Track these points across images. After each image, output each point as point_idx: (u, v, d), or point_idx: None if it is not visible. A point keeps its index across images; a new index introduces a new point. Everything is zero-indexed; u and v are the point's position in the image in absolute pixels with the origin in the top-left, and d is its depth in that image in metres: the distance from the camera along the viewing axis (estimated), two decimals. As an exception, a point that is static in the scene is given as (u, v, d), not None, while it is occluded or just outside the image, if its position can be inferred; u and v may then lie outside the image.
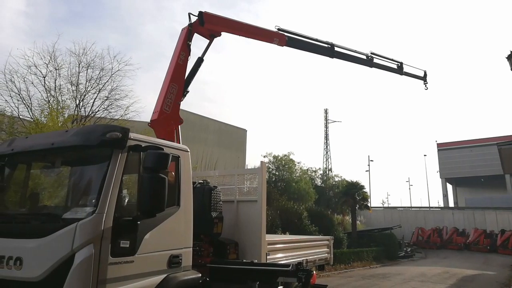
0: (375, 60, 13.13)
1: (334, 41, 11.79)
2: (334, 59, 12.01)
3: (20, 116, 15.11)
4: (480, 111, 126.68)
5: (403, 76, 14.43)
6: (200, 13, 8.67)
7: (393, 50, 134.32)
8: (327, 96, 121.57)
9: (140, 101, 29.83)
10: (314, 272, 7.16)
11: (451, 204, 62.13)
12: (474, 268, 24.48)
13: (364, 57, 12.84)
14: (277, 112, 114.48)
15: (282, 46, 10.53)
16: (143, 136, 5.07)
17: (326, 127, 53.43)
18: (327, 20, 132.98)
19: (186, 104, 8.30)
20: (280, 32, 10.47)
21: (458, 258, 32.39)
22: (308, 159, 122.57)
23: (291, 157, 32.66)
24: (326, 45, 11.66)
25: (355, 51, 12.49)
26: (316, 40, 11.42)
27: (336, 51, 11.83)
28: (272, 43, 10.27)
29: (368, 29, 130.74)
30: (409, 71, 14.60)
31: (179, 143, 7.20)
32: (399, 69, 14.05)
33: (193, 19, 8.74)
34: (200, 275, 5.33)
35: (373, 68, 13.26)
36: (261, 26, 10.16)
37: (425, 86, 15.40)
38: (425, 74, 15.26)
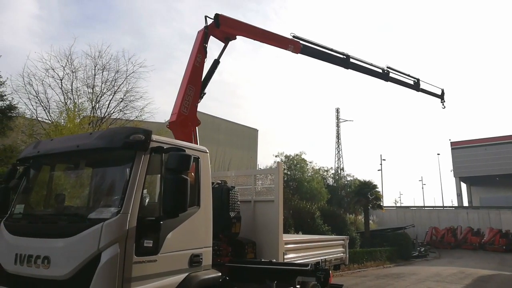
0: (391, 75, 12.89)
1: (345, 50, 11.63)
2: (349, 70, 11.82)
3: (39, 118, 15.42)
4: (494, 109, 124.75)
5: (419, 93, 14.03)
6: (216, 15, 8.73)
7: (406, 46, 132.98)
8: (338, 95, 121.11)
9: (154, 102, 30.18)
10: (331, 271, 7.22)
11: (466, 203, 61.28)
12: (490, 268, 24.20)
13: (380, 70, 12.63)
14: (289, 111, 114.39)
15: (297, 53, 10.41)
16: (165, 138, 5.19)
17: (338, 126, 53.66)
18: (337, 24, 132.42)
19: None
20: (295, 39, 10.35)
21: (473, 258, 32.04)
22: (320, 158, 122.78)
23: (303, 156, 32.79)
24: (342, 56, 11.50)
25: (371, 64, 12.30)
26: (332, 50, 11.26)
27: (351, 62, 11.67)
28: (286, 49, 10.16)
29: (378, 28, 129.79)
30: (426, 88, 14.25)
31: (197, 144, 7.30)
32: (415, 85, 13.79)
33: (209, 21, 8.80)
34: (220, 274, 5.41)
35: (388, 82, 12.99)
36: (276, 32, 10.02)
37: (443, 104, 14.76)
38: (443, 93, 14.71)
